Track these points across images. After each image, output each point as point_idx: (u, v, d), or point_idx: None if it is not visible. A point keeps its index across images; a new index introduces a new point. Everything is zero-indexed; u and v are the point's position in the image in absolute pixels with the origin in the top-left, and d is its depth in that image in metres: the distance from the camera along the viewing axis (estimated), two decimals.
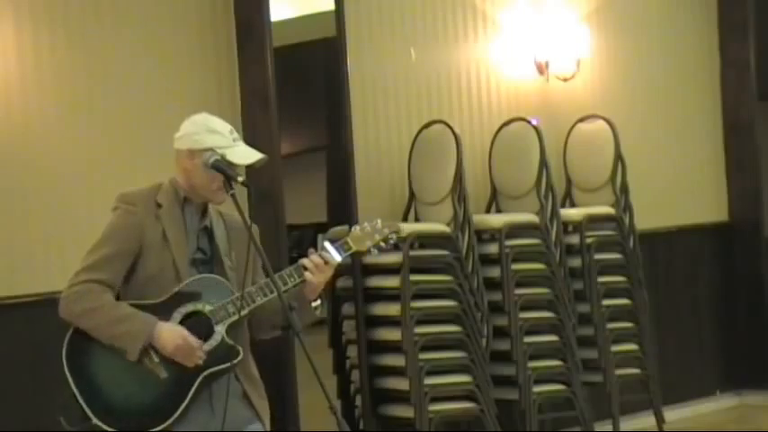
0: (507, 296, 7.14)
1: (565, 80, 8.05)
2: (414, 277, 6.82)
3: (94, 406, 4.04)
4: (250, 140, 6.54)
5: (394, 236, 4.39)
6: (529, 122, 7.50)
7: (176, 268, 4.15)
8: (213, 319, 4.14)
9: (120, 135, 6.20)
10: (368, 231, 4.37)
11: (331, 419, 4.12)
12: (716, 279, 9.03)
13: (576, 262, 7.60)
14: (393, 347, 6.82)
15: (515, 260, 7.23)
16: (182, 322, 4.12)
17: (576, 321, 7.48)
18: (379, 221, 4.39)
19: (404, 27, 7.44)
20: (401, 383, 6.81)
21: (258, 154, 4.23)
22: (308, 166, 7.62)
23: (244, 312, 4.14)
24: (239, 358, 4.17)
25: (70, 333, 4.11)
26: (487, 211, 7.63)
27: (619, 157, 7.84)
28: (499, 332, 7.14)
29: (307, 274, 4.22)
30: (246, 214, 4.32)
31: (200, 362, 4.09)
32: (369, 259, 6.89)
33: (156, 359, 4.09)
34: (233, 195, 4.19)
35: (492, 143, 7.65)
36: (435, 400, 6.83)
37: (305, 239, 7.32)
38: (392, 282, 6.83)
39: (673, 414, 8.28)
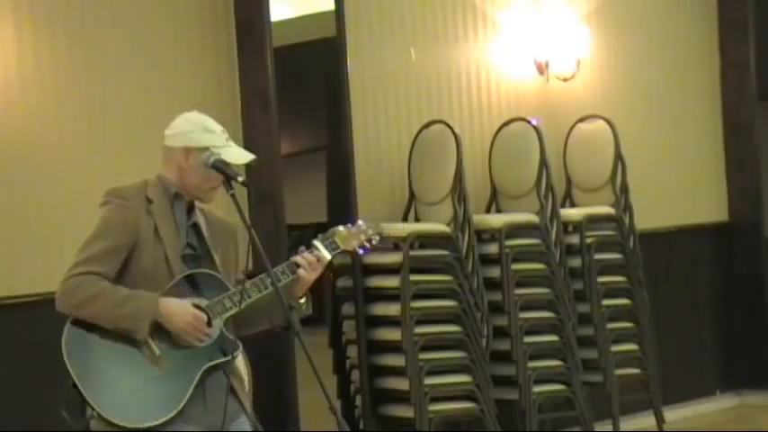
0: (507, 296, 7.14)
1: (565, 80, 8.05)
2: (414, 277, 6.82)
3: (97, 398, 4.03)
4: (250, 140, 6.60)
5: (377, 236, 4.50)
6: (529, 122, 7.50)
7: (169, 263, 4.17)
8: (211, 313, 4.16)
9: (120, 135, 6.20)
10: (353, 232, 4.45)
11: (331, 419, 4.12)
12: (716, 279, 9.03)
13: (576, 262, 7.60)
14: (393, 347, 6.82)
15: (515, 260, 7.23)
16: None
17: (576, 321, 7.48)
18: (362, 223, 4.48)
19: (404, 27, 7.44)
20: (401, 383, 6.81)
21: (250, 155, 4.27)
22: (308, 166, 7.62)
23: (240, 307, 4.17)
24: (239, 351, 4.20)
25: (68, 326, 4.10)
26: (487, 211, 7.63)
27: (619, 157, 7.84)
28: (499, 332, 7.14)
29: (300, 271, 4.28)
30: (246, 214, 4.34)
31: (207, 340, 4.11)
32: (369, 259, 6.90)
33: (158, 351, 4.09)
34: (233, 195, 4.20)
35: (492, 143, 7.65)
36: (435, 400, 6.83)
37: (305, 239, 7.30)
38: (392, 282, 6.83)
39: (673, 414, 8.28)
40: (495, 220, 7.30)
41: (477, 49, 7.76)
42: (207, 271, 4.23)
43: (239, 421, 4.26)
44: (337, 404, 6.06)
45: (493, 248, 7.22)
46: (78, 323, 4.10)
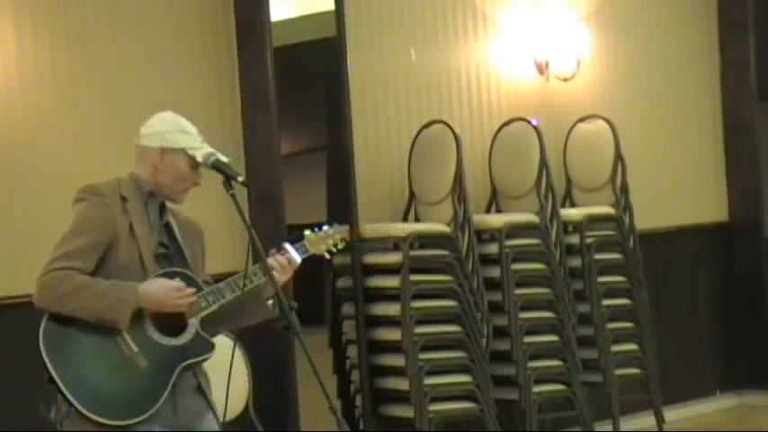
0: (507, 296, 7.14)
1: (565, 80, 8.05)
2: (414, 277, 6.82)
3: (74, 394, 4.03)
4: (250, 140, 6.61)
5: (343, 242, 4.58)
6: (529, 122, 7.50)
7: (143, 261, 4.19)
8: (187, 312, 4.18)
9: (119, 135, 6.18)
10: (321, 236, 4.52)
11: (331, 419, 4.13)
12: (716, 279, 9.03)
13: (576, 262, 7.60)
14: (393, 347, 6.82)
15: (515, 260, 7.23)
16: (155, 314, 4.15)
17: (576, 321, 7.48)
18: (327, 228, 4.54)
19: (404, 27, 7.44)
20: (401, 383, 6.81)
21: (224, 158, 4.30)
22: (308, 166, 7.62)
23: (214, 307, 4.21)
24: (214, 352, 4.24)
25: (44, 322, 4.09)
26: (487, 211, 7.63)
27: (619, 157, 7.84)
28: (499, 332, 7.14)
29: (274, 273, 4.29)
30: (246, 214, 4.34)
31: (194, 305, 4.14)
32: (369, 259, 6.90)
33: (136, 348, 4.10)
34: (233, 195, 4.22)
35: (492, 143, 7.65)
36: (435, 400, 6.83)
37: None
38: (392, 282, 6.83)
39: (673, 414, 8.28)
40: (495, 220, 7.30)
41: (477, 49, 7.76)
42: (181, 270, 4.26)
43: (206, 419, 4.29)
44: (337, 404, 6.06)
45: (493, 248, 7.22)
46: (55, 318, 4.10)
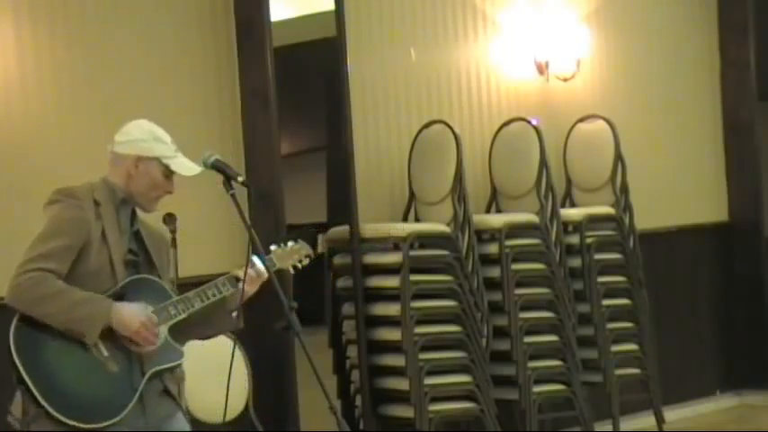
0: (507, 296, 7.14)
1: (565, 80, 8.05)
2: (414, 277, 6.82)
3: (46, 395, 4.02)
4: (250, 140, 6.61)
5: (307, 259, 4.65)
6: (529, 122, 7.50)
7: (113, 267, 4.20)
8: (156, 319, 4.20)
9: None
10: (287, 251, 4.58)
11: (331, 419, 4.13)
12: (716, 279, 9.03)
13: (576, 262, 7.60)
14: (393, 347, 6.82)
15: (515, 260, 7.23)
16: None
17: (576, 321, 7.48)
18: (293, 243, 4.62)
19: (404, 27, 7.44)
20: (401, 383, 6.81)
21: (197, 168, 4.32)
22: (308, 166, 7.62)
23: (183, 315, 4.23)
24: (183, 359, 4.27)
25: (16, 322, 4.08)
26: (487, 211, 7.63)
27: (619, 157, 7.84)
28: (499, 332, 7.14)
29: (241, 284, 4.33)
30: (246, 214, 4.35)
31: (157, 343, 4.16)
32: (369, 259, 6.90)
33: (106, 353, 4.11)
34: (233, 195, 4.23)
35: (492, 143, 7.65)
36: (435, 400, 6.83)
37: (305, 239, 7.31)
38: (392, 282, 6.83)
39: (673, 414, 8.28)
40: (495, 220, 7.30)
41: (477, 49, 7.76)
42: (151, 277, 4.29)
43: (175, 420, 4.31)
44: (337, 404, 6.07)
45: (493, 248, 7.22)
46: (26, 320, 4.09)
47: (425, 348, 6.83)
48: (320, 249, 7.06)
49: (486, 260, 7.19)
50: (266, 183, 6.49)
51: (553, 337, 7.34)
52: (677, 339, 8.69)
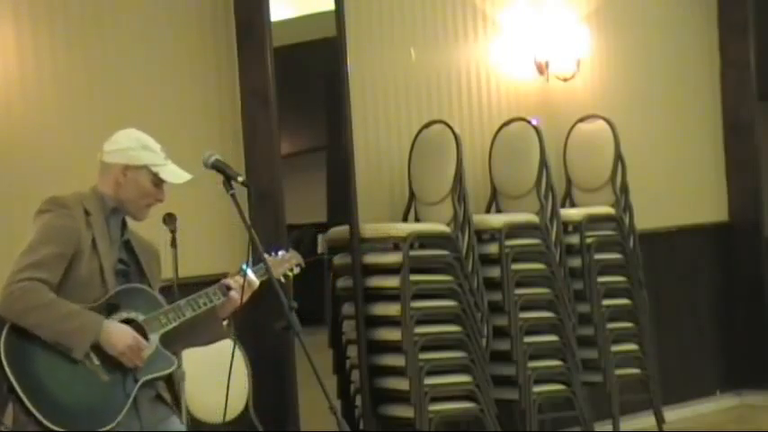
0: (507, 296, 7.14)
1: (565, 80, 8.05)
2: (414, 277, 6.82)
3: (37, 404, 4.01)
4: (250, 140, 6.61)
5: (298, 268, 4.68)
6: (529, 122, 7.50)
7: (103, 276, 4.20)
8: (147, 328, 4.21)
9: None
10: (278, 260, 4.60)
11: (331, 419, 4.13)
12: (716, 279, 9.03)
13: (576, 262, 7.60)
14: (393, 347, 6.82)
15: (515, 260, 7.23)
16: None
17: (576, 321, 7.48)
18: (284, 253, 4.64)
19: (404, 27, 7.44)
20: (401, 383, 6.81)
21: (187, 175, 4.33)
22: (308, 166, 7.62)
23: (174, 324, 4.24)
24: (175, 366, 4.28)
25: (6, 330, 4.07)
26: (487, 211, 7.63)
27: (619, 157, 7.84)
28: (499, 332, 7.14)
29: (232, 293, 4.36)
30: (246, 214, 4.35)
31: (141, 364, 4.16)
32: (369, 259, 6.90)
33: (97, 362, 4.11)
34: (233, 195, 4.23)
35: (492, 143, 7.65)
36: (435, 400, 6.83)
37: (305, 239, 7.32)
38: (392, 282, 6.83)
39: (673, 414, 8.28)
40: (495, 220, 7.30)
41: (477, 49, 7.76)
42: (142, 287, 4.30)
43: (170, 422, 4.32)
44: (337, 404, 6.07)
45: (493, 248, 7.22)
46: (17, 328, 4.08)
47: (425, 348, 6.83)
48: (320, 249, 7.07)
49: (486, 260, 7.19)
50: (266, 183, 6.49)
51: (553, 337, 7.34)
52: (677, 339, 8.69)
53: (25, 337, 4.07)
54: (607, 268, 7.74)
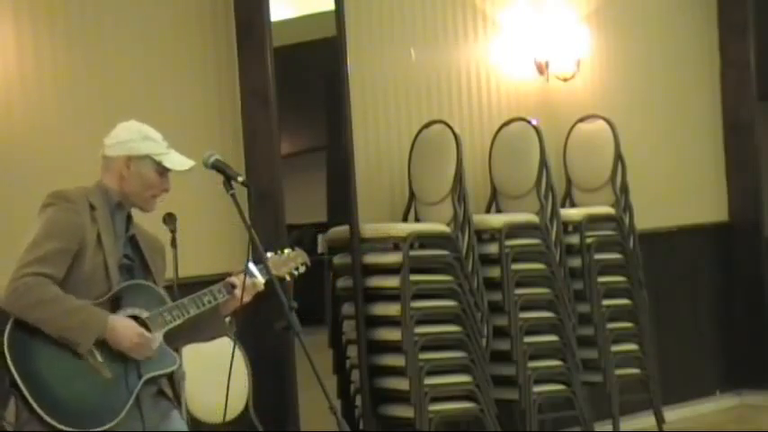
0: (507, 296, 7.14)
1: (565, 80, 8.05)
2: (414, 277, 6.82)
3: (39, 400, 4.01)
4: (250, 140, 6.60)
5: (303, 267, 4.65)
6: (529, 122, 7.50)
7: (107, 271, 4.19)
8: (151, 325, 4.21)
9: None
10: (283, 259, 4.58)
11: (331, 419, 4.13)
12: (716, 279, 9.03)
13: (576, 262, 7.60)
14: (393, 347, 6.82)
15: (515, 260, 7.23)
16: None
17: (576, 321, 7.48)
18: (289, 251, 4.61)
19: (404, 27, 7.44)
20: (401, 383, 6.81)
21: (190, 161, 4.30)
22: (308, 166, 7.62)
23: (178, 321, 4.23)
24: (178, 364, 4.27)
25: (11, 325, 4.07)
26: (487, 211, 7.63)
27: (619, 157, 7.84)
28: (499, 332, 7.14)
29: (237, 291, 4.34)
30: (246, 214, 4.35)
31: (152, 354, 4.16)
32: (369, 259, 6.90)
33: (100, 358, 4.10)
34: (233, 195, 4.23)
35: (492, 143, 7.65)
36: (435, 400, 6.83)
37: (305, 239, 7.32)
38: (392, 282, 6.83)
39: (673, 414, 8.28)
40: (495, 220, 7.30)
41: (477, 49, 7.76)
42: (146, 283, 4.29)
43: (171, 418, 4.31)
44: (337, 404, 6.07)
45: (493, 248, 7.22)
46: (22, 324, 4.08)
47: (425, 348, 6.83)
48: (320, 249, 7.07)
49: (486, 260, 7.19)
50: (266, 183, 6.49)
51: (553, 337, 7.34)
52: (677, 339, 8.69)
53: (29, 333, 4.06)
54: (607, 268, 7.74)
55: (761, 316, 8.93)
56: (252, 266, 4.38)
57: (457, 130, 7.13)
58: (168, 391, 4.35)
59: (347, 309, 7.00)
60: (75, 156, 6.02)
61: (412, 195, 7.28)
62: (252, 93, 6.61)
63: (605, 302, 7.68)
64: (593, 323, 7.58)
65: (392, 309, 6.82)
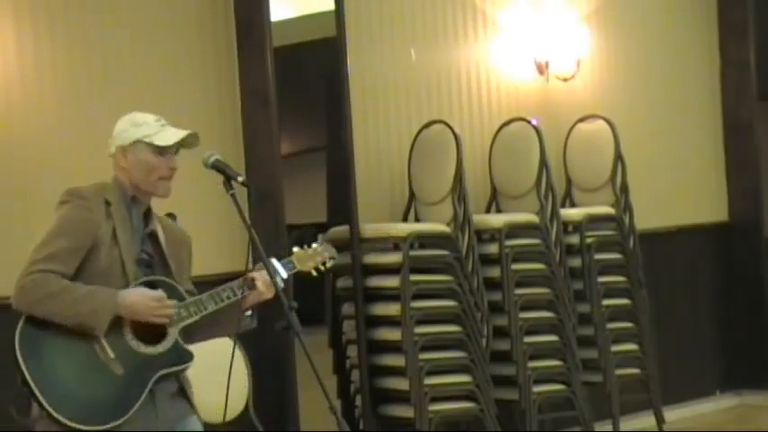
0: (507, 296, 7.14)
1: (565, 80, 8.06)
2: (414, 277, 6.82)
3: (48, 397, 4.00)
4: (250, 140, 6.61)
5: (331, 261, 4.57)
6: (529, 122, 7.50)
7: (124, 267, 4.17)
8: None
9: None
10: (309, 253, 4.52)
11: (331, 419, 4.13)
12: (716, 279, 9.04)
13: (576, 262, 7.60)
14: (393, 347, 6.82)
15: (515, 260, 7.23)
16: (134, 322, 4.14)
17: (576, 321, 7.48)
18: (317, 245, 4.55)
19: (404, 27, 7.44)
20: (401, 383, 6.81)
21: (184, 131, 4.25)
22: (308, 166, 7.62)
23: (196, 317, 4.20)
24: (192, 361, 4.23)
25: (22, 324, 4.07)
26: (487, 211, 7.63)
27: (619, 157, 7.84)
28: (499, 332, 7.14)
29: (259, 284, 4.29)
30: (246, 214, 4.34)
31: (174, 314, 4.13)
32: (369, 259, 6.90)
33: (112, 355, 4.09)
34: (233, 195, 4.22)
35: (492, 143, 7.65)
36: (435, 400, 6.83)
37: (305, 239, 7.31)
38: (392, 282, 6.83)
39: (673, 414, 8.28)
40: (495, 220, 7.30)
41: (477, 49, 7.76)
42: (164, 278, 4.25)
43: (188, 421, 4.30)
44: (337, 404, 6.07)
45: (493, 248, 7.22)
46: (33, 321, 4.07)
47: (425, 348, 6.83)
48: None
49: (486, 260, 7.19)
50: (266, 183, 6.49)
51: (553, 337, 7.34)
52: (677, 339, 8.69)
53: (40, 330, 4.06)
54: (607, 268, 7.74)
55: (761, 316, 8.93)
56: (275, 261, 4.34)
57: (457, 130, 7.13)
58: (190, 392, 4.31)
59: (347, 309, 7.00)
60: (75, 156, 6.03)
61: (412, 195, 7.28)
62: (252, 93, 6.61)
63: (605, 302, 7.68)
64: (593, 323, 7.58)
65: (392, 309, 6.82)
